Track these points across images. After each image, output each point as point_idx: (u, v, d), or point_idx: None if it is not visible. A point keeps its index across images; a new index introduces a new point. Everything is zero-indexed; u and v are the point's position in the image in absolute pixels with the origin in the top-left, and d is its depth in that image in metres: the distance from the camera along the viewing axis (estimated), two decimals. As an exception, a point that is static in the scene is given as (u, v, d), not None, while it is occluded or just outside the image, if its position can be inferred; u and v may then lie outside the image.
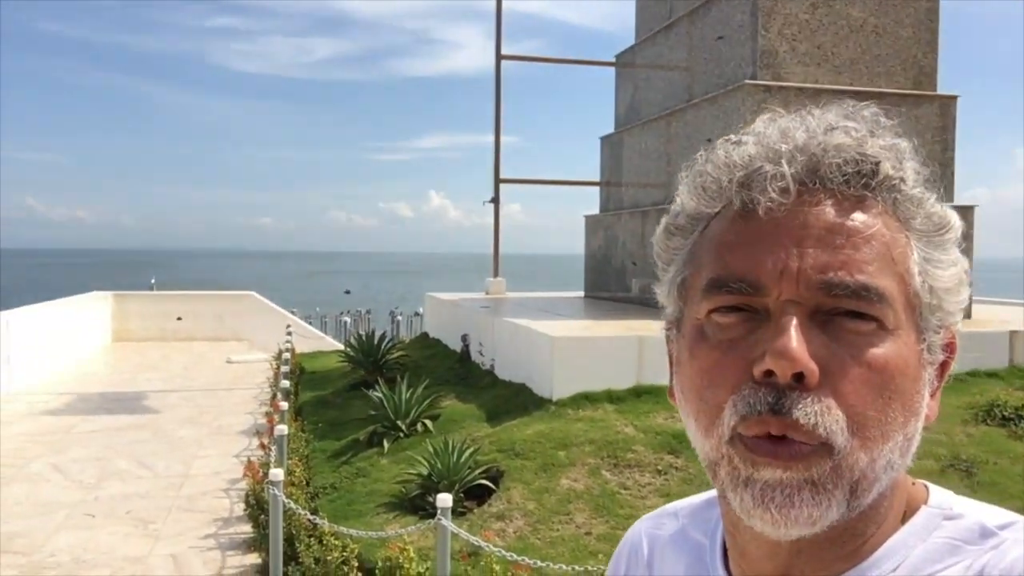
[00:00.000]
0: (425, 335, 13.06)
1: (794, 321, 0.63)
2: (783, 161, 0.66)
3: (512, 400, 7.70)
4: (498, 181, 13.79)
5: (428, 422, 7.51)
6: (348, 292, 53.16)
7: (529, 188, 15.79)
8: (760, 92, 8.68)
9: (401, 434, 7.36)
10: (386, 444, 7.22)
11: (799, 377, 0.62)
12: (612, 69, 13.44)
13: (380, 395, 7.73)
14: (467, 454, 6.11)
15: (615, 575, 0.94)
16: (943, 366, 0.71)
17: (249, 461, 6.63)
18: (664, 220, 0.75)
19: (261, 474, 5.92)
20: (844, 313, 0.64)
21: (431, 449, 6.14)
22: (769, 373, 0.62)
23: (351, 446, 7.52)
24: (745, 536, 0.71)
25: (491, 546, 4.40)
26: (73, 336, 14.53)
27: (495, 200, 13.75)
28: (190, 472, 7.69)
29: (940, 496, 0.73)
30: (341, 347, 13.44)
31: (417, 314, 18.21)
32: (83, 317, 15.29)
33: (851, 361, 0.63)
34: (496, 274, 13.52)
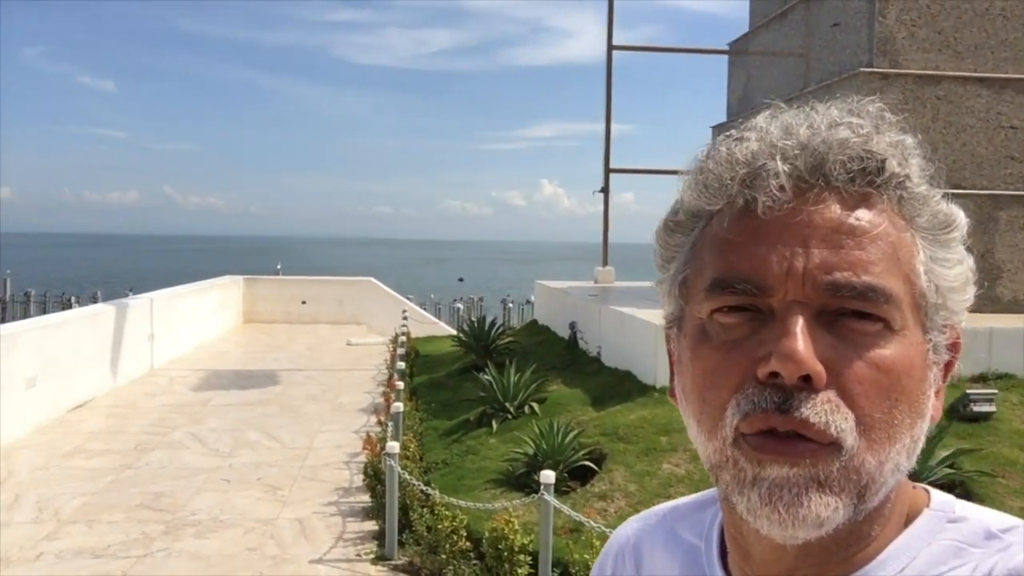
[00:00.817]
0: (535, 322, 13.36)
1: (800, 322, 0.62)
2: (786, 159, 0.64)
3: (617, 386, 7.89)
4: (608, 171, 13.91)
5: (535, 405, 7.79)
6: (461, 280, 54.21)
7: (642, 177, 15.73)
8: (877, 80, 8.50)
9: (509, 415, 7.67)
10: (494, 424, 7.55)
11: (806, 379, 0.61)
12: (725, 57, 13.31)
13: (490, 378, 8.06)
14: (571, 436, 6.35)
15: None
16: (947, 366, 0.70)
17: (368, 436, 7.07)
18: (664, 216, 0.74)
19: (378, 448, 6.33)
20: (850, 314, 0.63)
21: (537, 430, 6.41)
22: (774, 374, 0.61)
23: (462, 425, 7.89)
24: (749, 539, 0.70)
25: (592, 522, 4.62)
26: (209, 316, 15.57)
27: (604, 190, 13.88)
28: (313, 445, 8.23)
29: (942, 500, 0.72)
30: (454, 332, 13.90)
31: (528, 302, 18.53)
32: (217, 299, 16.34)
33: (858, 362, 0.62)
34: (605, 263, 13.67)
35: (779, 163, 0.64)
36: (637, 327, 8.17)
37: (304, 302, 18.29)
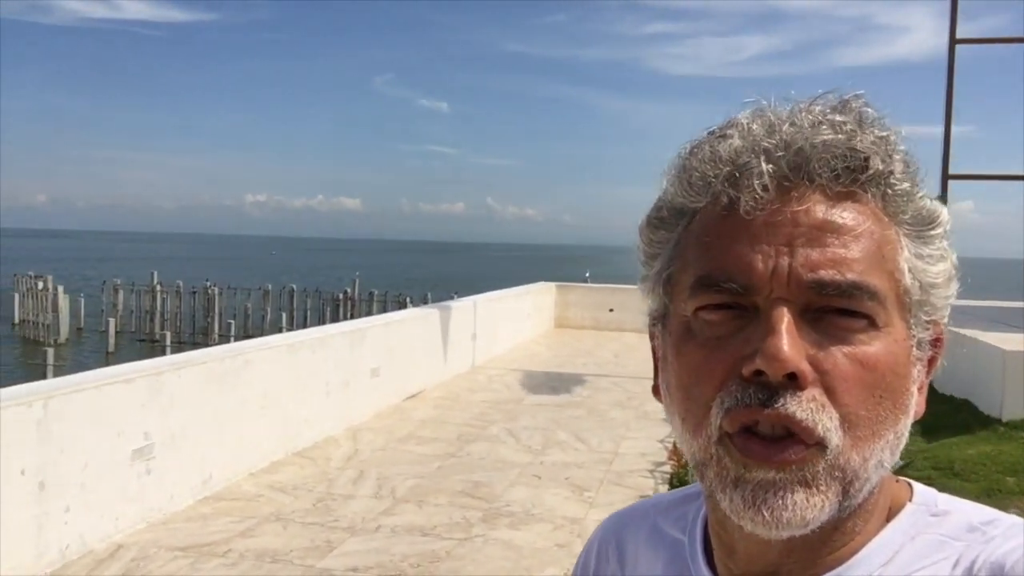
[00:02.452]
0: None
1: (785, 319, 0.62)
2: (770, 159, 0.64)
3: (952, 416, 7.12)
4: (946, 177, 12.58)
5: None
6: (771, 292, 52.05)
7: (984, 184, 14.06)
8: None
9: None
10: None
11: (791, 377, 0.61)
12: (1101, 43, 11.47)
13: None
14: (898, 467, 5.84)
15: (583, 575, 0.91)
16: (931, 362, 0.70)
17: (674, 446, 7.04)
18: (647, 212, 0.74)
19: (684, 460, 6.26)
20: (834, 311, 0.63)
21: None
22: (759, 372, 0.61)
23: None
24: (734, 535, 0.70)
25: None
26: (524, 320, 16.48)
27: (942, 197, 12.58)
28: (619, 450, 8.37)
29: (924, 493, 0.72)
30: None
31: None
32: (532, 304, 17.23)
33: (842, 359, 0.62)
34: (939, 279, 12.38)
35: (763, 163, 0.64)
36: (980, 351, 7.30)
37: (611, 310, 18.68)
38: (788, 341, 0.61)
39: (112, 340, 30.58)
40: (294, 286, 37.55)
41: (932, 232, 0.68)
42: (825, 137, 0.64)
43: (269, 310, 34.95)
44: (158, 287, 35.47)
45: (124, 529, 5.55)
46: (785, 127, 0.65)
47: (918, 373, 0.68)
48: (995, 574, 0.63)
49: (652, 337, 0.76)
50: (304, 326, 26.38)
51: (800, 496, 0.61)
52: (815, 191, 0.64)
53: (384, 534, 5.85)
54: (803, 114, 0.66)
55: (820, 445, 0.61)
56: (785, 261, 0.63)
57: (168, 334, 29.76)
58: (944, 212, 0.69)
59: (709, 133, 0.69)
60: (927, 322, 0.68)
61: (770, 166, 0.64)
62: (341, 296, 36.08)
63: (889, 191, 0.66)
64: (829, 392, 0.62)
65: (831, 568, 0.68)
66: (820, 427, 0.61)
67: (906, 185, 0.67)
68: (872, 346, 0.63)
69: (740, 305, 0.64)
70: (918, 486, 0.73)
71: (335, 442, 8.30)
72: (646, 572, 0.83)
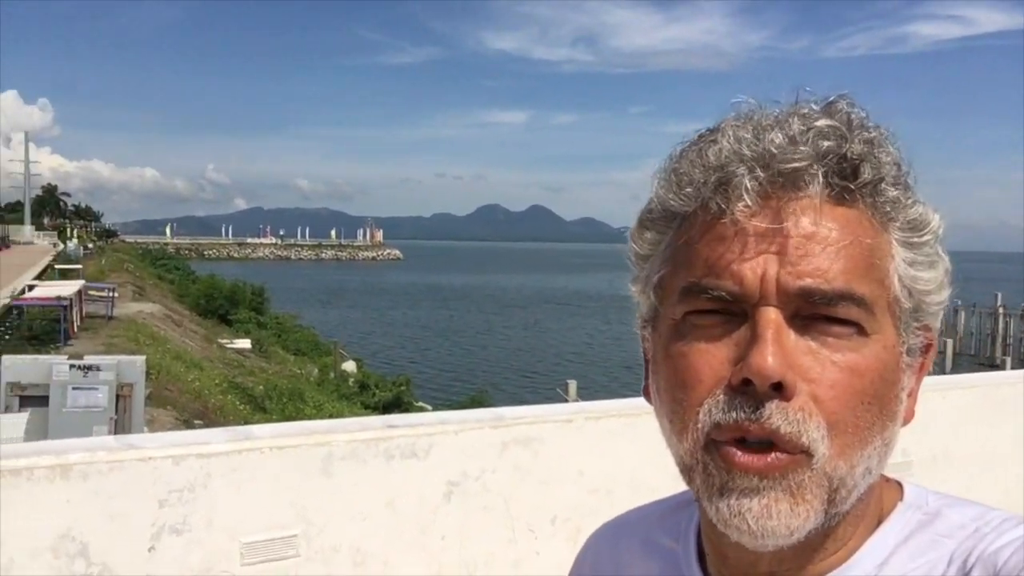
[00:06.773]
0: None
1: (773, 328, 0.62)
2: (759, 165, 0.63)
3: None
4: None
5: None
6: None
7: None
8: None
9: None
10: None
11: (778, 386, 0.62)
12: None
13: None
14: None
15: None
16: (921, 367, 0.70)
17: None
18: (639, 214, 0.74)
19: None
20: (823, 318, 0.63)
21: None
22: (746, 381, 0.62)
23: None
24: (724, 541, 0.69)
25: None
26: None
27: None
28: None
29: (915, 493, 0.72)
30: None
31: None
32: None
33: (830, 367, 0.63)
34: None
35: (750, 174, 0.64)
36: None
37: None
38: (774, 351, 0.61)
39: (949, 362, 30.50)
40: None
41: (923, 238, 0.68)
42: (814, 143, 0.64)
43: None
44: (1000, 309, 33.86)
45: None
46: (773, 134, 0.65)
47: (908, 379, 0.68)
48: (988, 571, 0.63)
49: (643, 340, 0.76)
50: None
51: (784, 505, 0.62)
52: (804, 199, 0.64)
53: None
54: (791, 119, 0.65)
55: (806, 453, 0.62)
56: (773, 270, 0.63)
57: (1009, 359, 28.22)
58: (936, 218, 0.69)
59: (699, 136, 0.69)
60: (918, 328, 0.68)
61: (758, 173, 0.64)
62: None
63: (880, 199, 0.66)
64: (816, 400, 0.62)
65: (823, 572, 0.69)
66: (805, 436, 0.62)
67: (896, 192, 0.67)
68: (860, 353, 0.64)
69: (729, 311, 0.65)
70: (908, 485, 0.74)
71: None
72: None
